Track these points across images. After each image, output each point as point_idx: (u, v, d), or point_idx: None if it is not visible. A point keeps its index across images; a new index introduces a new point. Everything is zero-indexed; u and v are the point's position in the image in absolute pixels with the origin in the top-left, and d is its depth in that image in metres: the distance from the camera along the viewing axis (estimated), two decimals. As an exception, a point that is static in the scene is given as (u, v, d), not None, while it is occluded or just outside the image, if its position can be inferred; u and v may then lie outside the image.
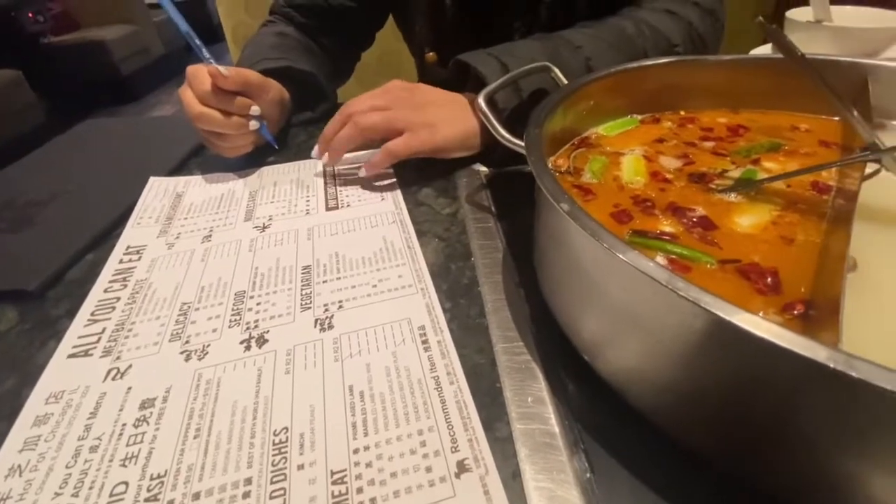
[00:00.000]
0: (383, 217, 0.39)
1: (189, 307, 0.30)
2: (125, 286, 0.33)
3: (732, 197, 0.27)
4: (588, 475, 0.20)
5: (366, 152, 0.45)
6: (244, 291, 0.32)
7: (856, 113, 0.25)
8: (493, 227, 0.37)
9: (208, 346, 0.28)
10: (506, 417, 0.23)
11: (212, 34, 4.00)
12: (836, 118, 0.34)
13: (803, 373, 0.13)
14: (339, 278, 0.32)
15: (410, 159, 0.42)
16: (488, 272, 0.32)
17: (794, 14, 0.55)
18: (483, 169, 0.46)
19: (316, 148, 0.44)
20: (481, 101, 0.34)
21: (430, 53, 0.64)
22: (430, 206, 0.40)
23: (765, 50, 0.56)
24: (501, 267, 0.33)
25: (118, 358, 0.27)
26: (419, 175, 0.44)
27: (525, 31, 0.58)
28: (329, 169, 0.47)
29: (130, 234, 0.39)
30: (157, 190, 0.45)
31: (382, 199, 0.41)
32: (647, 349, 0.19)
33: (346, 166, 0.46)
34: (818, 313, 0.19)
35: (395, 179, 0.44)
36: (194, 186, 0.45)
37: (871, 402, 0.13)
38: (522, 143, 0.27)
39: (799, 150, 0.32)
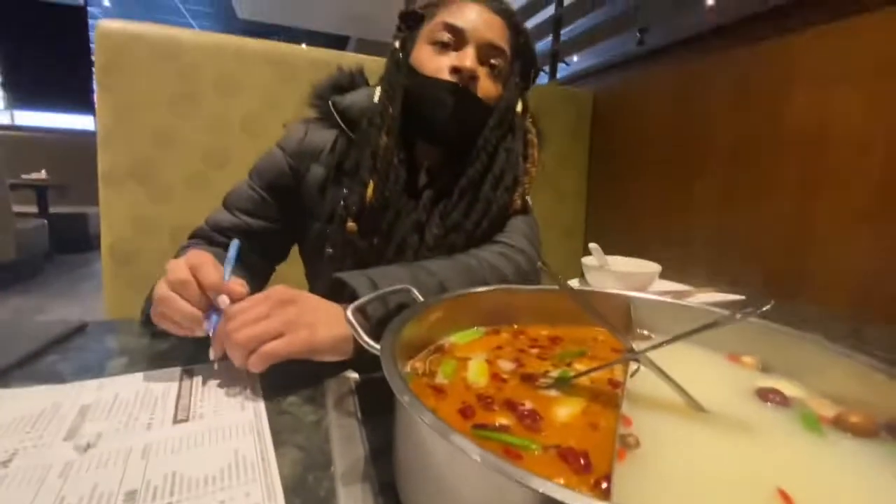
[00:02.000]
0: (239, 428, 0.37)
1: (-60, 561, 0.23)
2: None
3: (553, 392, 0.33)
4: None
5: None
6: (34, 532, 0.26)
7: (620, 327, 0.35)
8: (357, 433, 0.37)
9: None
10: None
11: (86, 243, 3.86)
12: (621, 332, 0.46)
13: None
14: (170, 503, 0.28)
15: (279, 368, 0.43)
16: (348, 480, 0.31)
17: (586, 260, 0.77)
18: (353, 375, 0.48)
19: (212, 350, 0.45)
20: (349, 312, 0.39)
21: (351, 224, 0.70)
22: (294, 414, 0.40)
23: (574, 282, 0.75)
24: (362, 474, 0.32)
25: None
26: (286, 383, 0.44)
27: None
28: (187, 378, 0.44)
29: None
30: (-49, 407, 0.37)
31: (242, 409, 0.40)
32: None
33: (208, 376, 0.44)
34: (612, 485, 0.23)
35: (259, 387, 0.43)
36: (7, 401, 0.39)
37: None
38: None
39: (598, 356, 0.41)
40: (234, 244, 0.52)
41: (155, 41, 1.07)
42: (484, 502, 0.20)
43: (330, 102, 0.74)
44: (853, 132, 0.94)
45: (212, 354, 0.44)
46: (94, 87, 1.06)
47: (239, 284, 0.47)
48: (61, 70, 4.54)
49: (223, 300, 0.45)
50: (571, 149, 1.63)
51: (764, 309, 0.27)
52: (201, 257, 0.46)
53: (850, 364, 0.34)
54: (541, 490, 0.17)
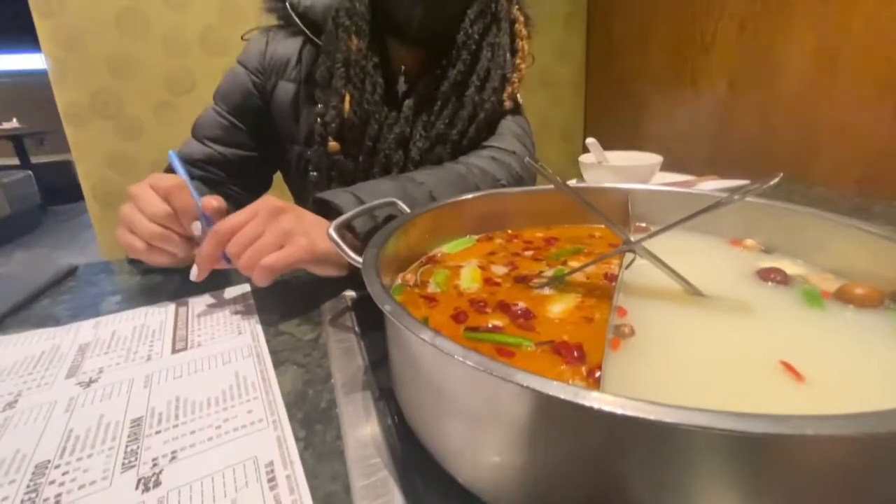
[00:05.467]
0: (237, 352, 0.37)
1: (-43, 494, 0.24)
2: None
3: (547, 291, 0.32)
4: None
5: None
6: (48, 461, 0.26)
7: (617, 222, 0.33)
8: (356, 346, 0.37)
9: (-24, 542, 0.21)
10: (358, 546, 0.21)
11: (76, 191, 3.79)
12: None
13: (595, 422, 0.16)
14: (175, 426, 0.29)
15: (276, 292, 0.42)
16: (347, 390, 0.32)
17: (584, 158, 0.73)
18: (350, 293, 0.47)
19: (194, 269, 0.44)
20: (331, 229, 0.37)
21: (333, 143, 0.67)
22: (292, 333, 0.40)
23: (571, 182, 0.72)
24: (362, 383, 0.32)
25: None
26: (283, 305, 0.44)
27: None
28: (182, 309, 0.44)
29: None
30: (-50, 356, 0.37)
31: (240, 334, 0.40)
32: (486, 440, 0.20)
33: (203, 306, 0.44)
34: (603, 373, 0.22)
35: (256, 313, 0.43)
36: (5, 347, 0.39)
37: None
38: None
39: (594, 252, 0.39)
40: (171, 155, 0.48)
41: (84, -51, 0.93)
42: (472, 400, 0.20)
43: (287, 4, 0.65)
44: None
45: (193, 274, 0.43)
46: (32, 15, 0.94)
47: (214, 199, 0.45)
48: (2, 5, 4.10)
49: (196, 227, 0.43)
50: (566, 36, 1.49)
51: (772, 182, 0.25)
52: (167, 181, 0.44)
53: (855, 234, 0.32)
54: (524, 384, 0.16)
